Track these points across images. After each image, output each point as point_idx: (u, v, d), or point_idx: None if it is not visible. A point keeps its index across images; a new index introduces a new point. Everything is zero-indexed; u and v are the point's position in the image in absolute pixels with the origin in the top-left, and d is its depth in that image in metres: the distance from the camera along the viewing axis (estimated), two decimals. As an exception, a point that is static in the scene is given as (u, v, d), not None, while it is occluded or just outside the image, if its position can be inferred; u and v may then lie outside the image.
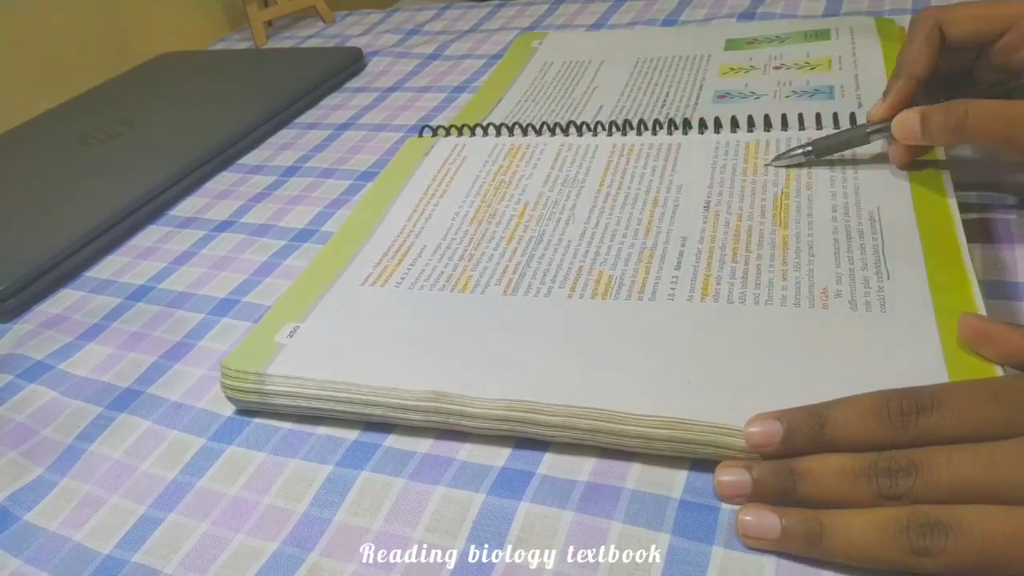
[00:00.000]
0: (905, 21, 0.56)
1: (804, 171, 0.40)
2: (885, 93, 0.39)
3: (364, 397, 0.33)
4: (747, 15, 0.63)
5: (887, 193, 0.37)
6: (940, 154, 0.39)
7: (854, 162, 0.40)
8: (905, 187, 0.37)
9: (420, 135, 0.52)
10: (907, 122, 0.36)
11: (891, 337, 0.30)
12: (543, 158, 0.47)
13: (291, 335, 0.36)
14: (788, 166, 0.41)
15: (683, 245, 0.37)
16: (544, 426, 0.30)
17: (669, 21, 0.66)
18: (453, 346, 0.34)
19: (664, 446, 0.29)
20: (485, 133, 0.51)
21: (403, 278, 0.39)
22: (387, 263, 0.41)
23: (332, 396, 0.33)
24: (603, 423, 0.29)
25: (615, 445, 0.30)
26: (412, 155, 0.50)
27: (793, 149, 0.41)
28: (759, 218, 0.38)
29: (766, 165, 0.41)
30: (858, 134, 0.39)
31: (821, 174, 0.40)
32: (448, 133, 0.52)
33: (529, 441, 0.31)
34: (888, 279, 0.33)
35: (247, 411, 0.36)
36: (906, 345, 0.30)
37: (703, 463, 0.29)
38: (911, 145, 0.37)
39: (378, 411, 0.33)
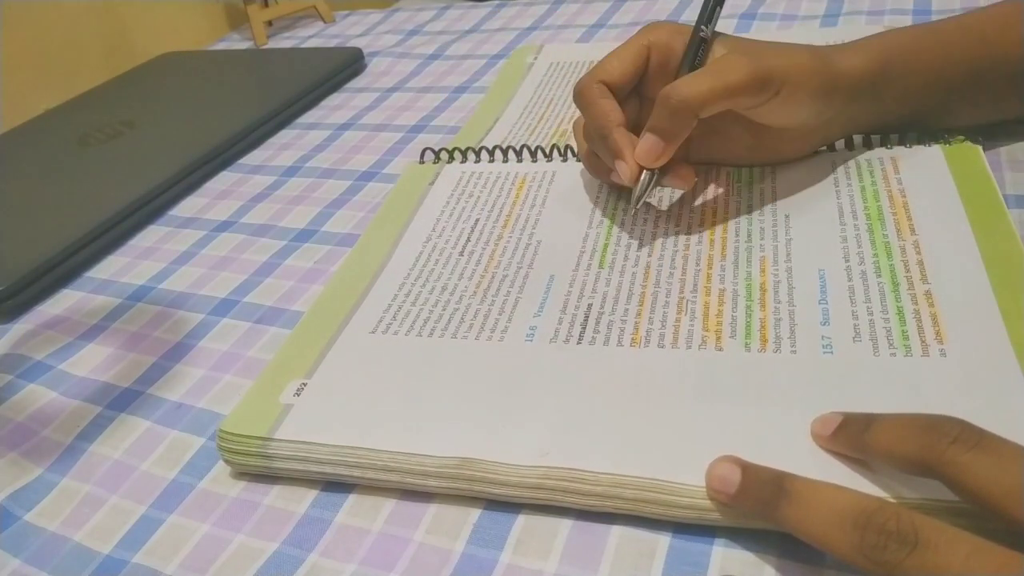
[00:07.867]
0: (906, 21, 0.56)
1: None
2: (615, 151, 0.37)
3: (381, 463, 0.30)
4: (748, 15, 0.63)
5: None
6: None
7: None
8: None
9: (421, 160, 0.50)
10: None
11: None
12: (552, 187, 0.44)
13: (298, 394, 0.33)
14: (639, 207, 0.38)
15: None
16: (584, 495, 0.28)
17: (670, 21, 0.66)
18: (479, 403, 0.31)
19: (720, 518, 0.26)
20: (491, 158, 0.48)
21: (419, 322, 0.36)
22: (399, 306, 0.38)
23: (345, 462, 0.31)
24: (651, 493, 0.27)
25: (664, 516, 0.27)
26: (416, 183, 0.47)
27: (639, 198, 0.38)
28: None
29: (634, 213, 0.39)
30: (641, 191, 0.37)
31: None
32: (452, 158, 0.49)
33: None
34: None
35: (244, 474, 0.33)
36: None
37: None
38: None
39: (395, 477, 0.30)
